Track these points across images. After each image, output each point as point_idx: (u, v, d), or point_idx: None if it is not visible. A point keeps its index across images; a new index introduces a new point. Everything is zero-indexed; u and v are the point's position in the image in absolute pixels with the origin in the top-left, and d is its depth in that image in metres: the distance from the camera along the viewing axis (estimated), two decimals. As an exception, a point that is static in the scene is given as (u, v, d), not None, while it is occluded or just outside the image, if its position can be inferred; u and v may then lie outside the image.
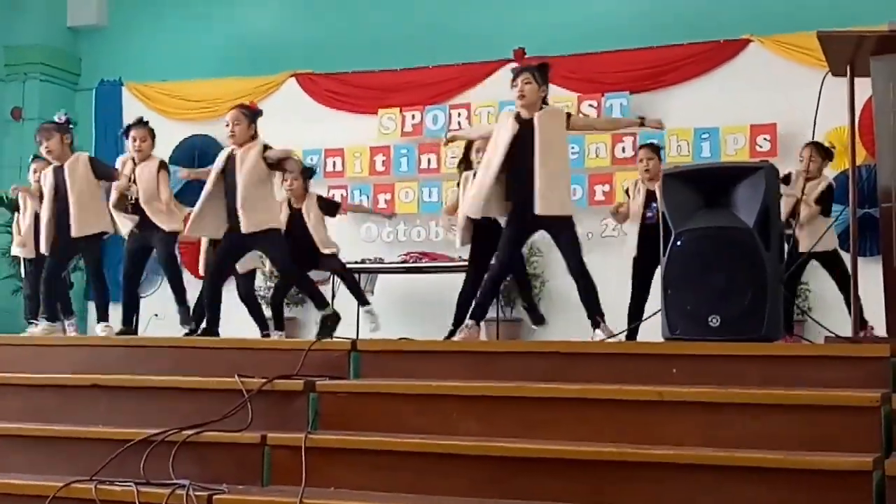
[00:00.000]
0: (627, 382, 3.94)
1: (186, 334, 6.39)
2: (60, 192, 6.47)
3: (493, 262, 5.82)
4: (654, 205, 6.49)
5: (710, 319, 4.36)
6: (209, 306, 6.09)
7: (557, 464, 3.57)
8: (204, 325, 6.13)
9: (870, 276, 4.58)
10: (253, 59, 10.77)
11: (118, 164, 6.84)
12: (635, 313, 6.48)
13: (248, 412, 4.09)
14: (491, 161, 5.61)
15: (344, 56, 10.46)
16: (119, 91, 11.41)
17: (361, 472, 3.81)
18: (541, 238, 6.07)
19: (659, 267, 4.71)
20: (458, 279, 9.23)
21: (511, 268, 6.15)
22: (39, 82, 11.39)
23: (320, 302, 6.33)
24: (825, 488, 3.24)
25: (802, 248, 6.73)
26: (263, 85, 10.59)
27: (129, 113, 11.17)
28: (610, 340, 5.21)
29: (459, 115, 10.03)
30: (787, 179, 7.02)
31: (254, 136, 6.10)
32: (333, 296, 8.60)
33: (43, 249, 6.59)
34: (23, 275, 8.34)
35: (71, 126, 6.69)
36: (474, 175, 6.53)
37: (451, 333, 6.04)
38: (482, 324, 5.91)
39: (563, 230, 5.54)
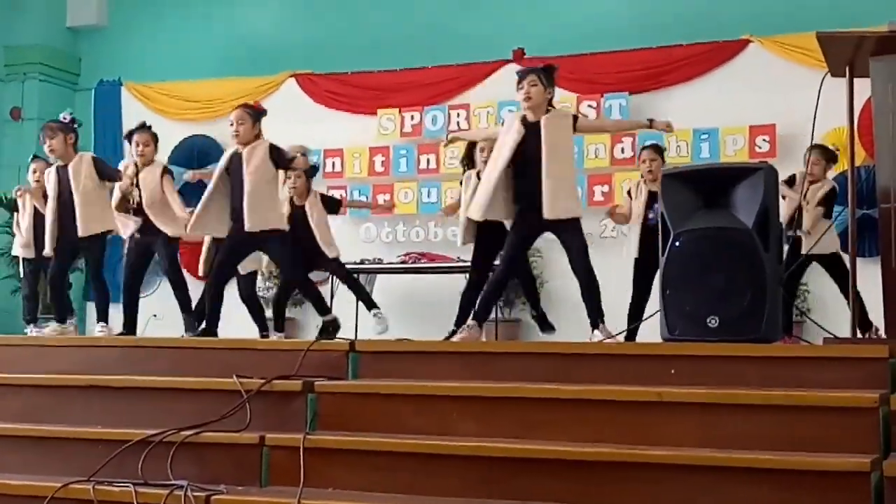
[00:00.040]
0: (626, 383, 3.94)
1: None
2: (64, 191, 6.47)
3: (498, 263, 5.79)
4: (656, 206, 6.49)
5: (708, 320, 4.36)
6: (210, 306, 6.08)
7: (556, 464, 3.57)
8: (203, 325, 6.12)
9: (872, 277, 4.58)
10: (252, 59, 10.77)
11: (121, 168, 6.86)
12: (635, 314, 6.48)
13: (246, 413, 4.09)
14: (496, 163, 5.58)
15: (343, 56, 10.46)
16: (118, 91, 11.40)
17: (360, 473, 3.81)
18: (540, 239, 6.05)
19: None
20: (457, 280, 9.32)
21: (515, 271, 6.12)
22: (39, 82, 11.39)
23: (322, 308, 6.32)
24: (823, 489, 3.24)
25: (806, 249, 6.73)
26: (263, 85, 10.59)
27: (129, 113, 11.21)
28: (608, 341, 5.21)
29: (458, 115, 10.03)
30: (791, 181, 7.01)
31: (258, 136, 6.11)
32: (332, 297, 8.60)
33: (48, 249, 6.58)
34: (21, 275, 8.33)
35: (76, 126, 6.69)
36: (478, 175, 6.54)
37: (452, 334, 6.03)
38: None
39: (570, 232, 5.52)
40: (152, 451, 3.98)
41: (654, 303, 5.29)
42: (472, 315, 5.72)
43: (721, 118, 9.11)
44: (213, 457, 4.00)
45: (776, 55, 9.08)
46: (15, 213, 8.29)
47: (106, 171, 6.61)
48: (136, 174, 6.76)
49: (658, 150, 7.09)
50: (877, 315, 4.63)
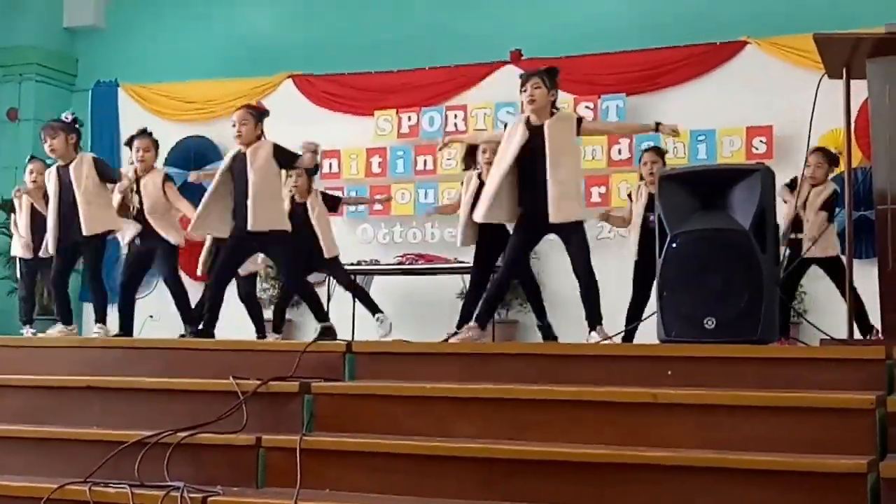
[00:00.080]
0: (622, 384, 3.94)
1: None
2: (65, 191, 6.46)
3: (501, 265, 5.77)
4: None
5: (705, 321, 4.36)
6: (210, 306, 6.07)
7: (552, 466, 3.57)
8: (201, 324, 6.10)
9: (870, 279, 4.58)
10: (249, 60, 10.76)
11: (122, 171, 6.87)
12: (634, 315, 6.48)
13: (242, 414, 4.08)
14: (500, 166, 5.57)
15: (340, 57, 10.46)
16: (115, 92, 11.39)
17: (356, 474, 3.81)
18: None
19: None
20: (454, 281, 9.34)
21: (517, 273, 6.09)
22: (35, 83, 11.38)
23: (320, 315, 6.30)
24: (820, 490, 3.24)
25: (809, 252, 6.72)
26: (260, 86, 10.59)
27: (126, 114, 11.22)
28: (605, 343, 5.21)
29: (456, 116, 10.02)
30: (793, 185, 7.00)
31: (260, 136, 6.11)
32: (329, 298, 8.61)
33: (50, 249, 6.56)
34: (18, 276, 8.33)
35: (77, 126, 6.68)
36: (479, 176, 6.53)
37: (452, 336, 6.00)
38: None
39: (574, 233, 5.50)
40: (149, 452, 3.98)
41: (652, 304, 5.29)
42: (474, 317, 5.71)
43: (718, 119, 9.11)
44: (209, 458, 4.00)
45: (773, 56, 9.08)
46: (12, 214, 8.28)
47: (106, 173, 6.60)
48: (137, 180, 6.77)
49: (659, 152, 7.09)
50: (875, 317, 4.63)
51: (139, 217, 6.70)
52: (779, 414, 3.54)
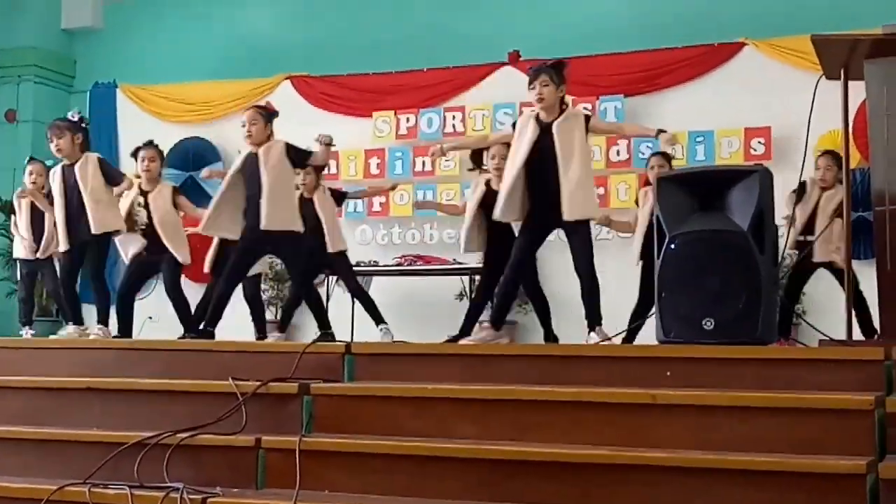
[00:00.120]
0: (621, 385, 3.94)
1: None
2: (71, 191, 6.45)
3: (508, 266, 5.71)
4: None
5: (704, 322, 4.36)
6: (215, 305, 6.03)
7: (552, 467, 3.57)
8: (204, 323, 6.08)
9: (869, 280, 4.59)
10: (247, 61, 10.76)
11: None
12: (641, 313, 6.45)
13: (242, 415, 4.09)
14: (513, 163, 5.54)
15: (338, 59, 10.46)
16: (113, 93, 11.40)
17: (356, 475, 3.81)
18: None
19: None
20: (453, 282, 9.34)
21: (524, 274, 6.02)
22: (34, 84, 11.38)
23: (323, 322, 6.29)
24: (819, 491, 3.24)
25: (819, 256, 6.72)
26: (258, 87, 10.59)
27: (124, 115, 11.23)
28: (604, 343, 5.21)
29: (454, 117, 10.03)
30: (802, 189, 7.00)
31: (270, 136, 6.11)
32: (328, 298, 8.60)
33: (61, 248, 6.55)
34: (18, 278, 8.32)
35: (84, 125, 6.67)
36: (486, 183, 6.46)
37: (454, 338, 5.99)
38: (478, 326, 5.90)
39: (579, 230, 5.49)
40: (148, 453, 3.98)
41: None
42: (491, 320, 5.72)
43: (716, 120, 9.12)
44: (208, 459, 4.00)
45: (771, 58, 9.09)
46: (12, 216, 8.28)
47: (110, 173, 6.59)
48: (144, 194, 6.81)
49: (667, 157, 7.09)
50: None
51: (148, 230, 6.73)
52: (777, 415, 3.54)
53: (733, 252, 4.38)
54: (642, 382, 3.93)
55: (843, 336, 4.73)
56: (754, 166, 4.91)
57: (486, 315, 7.05)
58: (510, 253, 5.64)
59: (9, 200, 8.54)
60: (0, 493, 4.03)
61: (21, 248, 7.96)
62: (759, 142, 9.00)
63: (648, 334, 4.71)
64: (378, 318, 7.31)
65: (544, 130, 5.47)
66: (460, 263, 8.94)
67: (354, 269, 7.93)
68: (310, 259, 6.79)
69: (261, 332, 7.74)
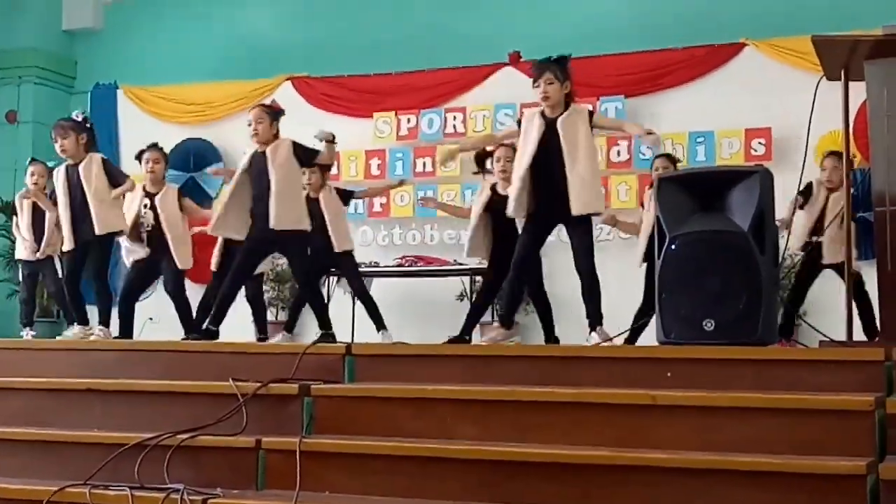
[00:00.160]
0: (622, 386, 3.94)
1: None
2: (75, 191, 6.45)
3: (512, 263, 5.69)
4: None
5: (704, 323, 4.36)
6: (220, 304, 5.99)
7: (552, 467, 3.57)
8: (207, 322, 6.07)
9: (870, 280, 4.59)
10: (248, 62, 10.76)
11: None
12: (645, 314, 6.44)
13: (242, 416, 4.09)
14: (522, 161, 5.53)
15: (339, 59, 10.46)
16: (114, 94, 11.39)
17: (356, 477, 3.81)
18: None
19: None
20: (454, 283, 9.34)
21: (529, 270, 6.01)
22: (34, 85, 11.39)
23: (324, 322, 6.28)
24: (819, 492, 3.24)
25: (828, 258, 6.71)
26: (259, 88, 10.58)
27: (125, 116, 11.23)
28: (605, 344, 5.21)
29: (455, 118, 10.03)
30: (808, 190, 6.99)
31: (276, 135, 6.11)
32: (329, 299, 8.60)
33: (65, 247, 6.55)
34: (20, 279, 8.33)
35: (88, 125, 6.67)
36: (492, 187, 6.43)
37: (456, 339, 5.97)
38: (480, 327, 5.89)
39: (582, 230, 5.49)
40: (148, 454, 3.98)
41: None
42: (500, 321, 5.73)
43: (717, 121, 9.12)
44: (209, 460, 4.00)
45: (772, 58, 9.09)
46: (14, 217, 8.28)
47: (114, 175, 6.58)
48: (150, 196, 6.85)
49: (671, 159, 7.08)
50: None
51: (154, 231, 6.75)
52: (778, 415, 3.54)
53: (734, 253, 4.38)
54: (643, 383, 3.93)
55: (844, 336, 4.73)
56: (755, 167, 4.91)
57: (486, 317, 7.10)
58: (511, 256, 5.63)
59: (9, 201, 8.52)
60: (0, 494, 4.03)
61: (22, 250, 7.96)
62: (760, 142, 9.00)
63: (649, 335, 4.71)
64: (379, 324, 7.29)
65: (549, 126, 5.47)
66: (461, 264, 8.94)
67: (355, 270, 7.91)
68: (315, 259, 6.78)
69: (262, 332, 7.73)
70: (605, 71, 9.59)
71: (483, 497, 3.60)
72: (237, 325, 7.07)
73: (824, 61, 4.73)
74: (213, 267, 7.57)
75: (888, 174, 4.39)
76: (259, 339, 7.64)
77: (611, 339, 5.33)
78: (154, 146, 7.08)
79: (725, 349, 4.07)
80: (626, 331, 5.94)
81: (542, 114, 5.53)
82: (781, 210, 6.32)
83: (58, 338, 6.72)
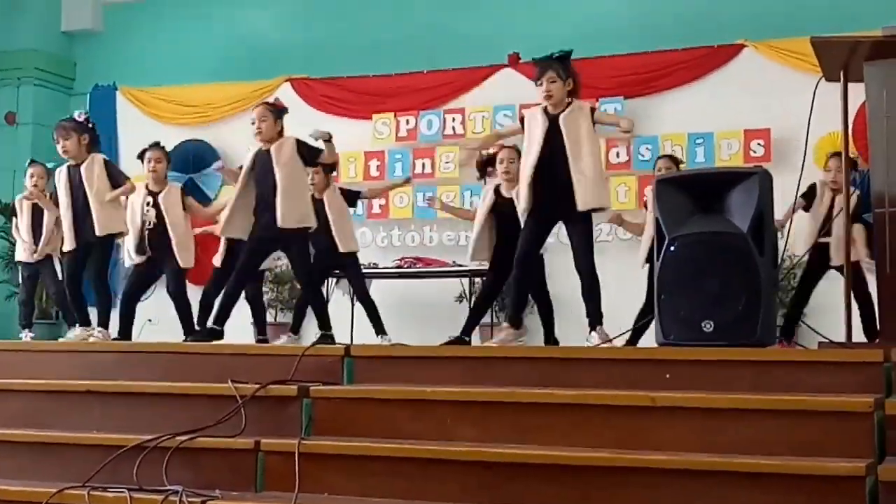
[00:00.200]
0: (621, 388, 3.94)
1: None
2: (77, 192, 6.45)
3: (514, 260, 5.67)
4: None
5: (703, 325, 4.36)
6: (224, 304, 5.98)
7: (552, 469, 3.57)
8: (210, 321, 6.05)
9: (870, 281, 4.59)
10: (247, 63, 10.76)
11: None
12: (648, 312, 6.43)
13: (241, 418, 4.08)
14: (528, 157, 5.53)
15: (338, 61, 10.46)
16: (113, 95, 11.38)
17: (355, 478, 3.81)
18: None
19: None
20: (453, 284, 9.34)
21: (531, 266, 5.97)
22: (34, 87, 11.38)
23: (324, 323, 6.27)
24: (819, 493, 3.24)
25: (835, 259, 6.70)
26: (258, 90, 10.57)
27: (124, 118, 11.23)
28: (604, 345, 5.21)
29: (454, 120, 10.03)
30: (811, 191, 6.98)
31: (280, 133, 6.09)
32: (328, 300, 8.59)
33: (66, 248, 6.55)
34: (20, 280, 8.33)
35: (90, 125, 6.66)
36: (495, 190, 6.42)
37: (457, 340, 5.97)
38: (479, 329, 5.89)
39: (582, 223, 5.49)
40: (147, 456, 3.98)
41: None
42: (507, 321, 5.73)
43: (716, 122, 9.12)
44: (208, 462, 4.00)
45: (771, 60, 9.09)
46: (13, 219, 8.28)
47: (115, 176, 6.58)
48: (153, 195, 6.85)
49: (674, 159, 7.08)
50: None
51: (157, 230, 6.76)
52: (777, 417, 3.54)
53: (733, 254, 4.38)
54: (642, 385, 3.93)
55: (843, 337, 4.73)
56: (754, 168, 4.90)
57: (485, 319, 7.10)
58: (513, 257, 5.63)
59: (8, 203, 8.52)
60: (-1, 495, 4.04)
61: (22, 252, 7.96)
62: (759, 144, 9.00)
63: (648, 336, 4.71)
64: (379, 328, 7.26)
65: (552, 123, 5.47)
66: (460, 266, 8.94)
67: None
68: (319, 259, 6.76)
69: (261, 333, 7.72)
70: (605, 72, 9.58)
71: (483, 499, 3.60)
72: (237, 325, 7.08)
73: (823, 62, 4.73)
74: (216, 263, 7.54)
75: (887, 175, 4.39)
76: (258, 340, 7.63)
77: (610, 340, 5.32)
78: (156, 145, 7.08)
79: (725, 350, 4.07)
80: (626, 331, 5.93)
81: (545, 111, 5.53)
82: (781, 211, 6.33)
83: (60, 340, 6.72)
